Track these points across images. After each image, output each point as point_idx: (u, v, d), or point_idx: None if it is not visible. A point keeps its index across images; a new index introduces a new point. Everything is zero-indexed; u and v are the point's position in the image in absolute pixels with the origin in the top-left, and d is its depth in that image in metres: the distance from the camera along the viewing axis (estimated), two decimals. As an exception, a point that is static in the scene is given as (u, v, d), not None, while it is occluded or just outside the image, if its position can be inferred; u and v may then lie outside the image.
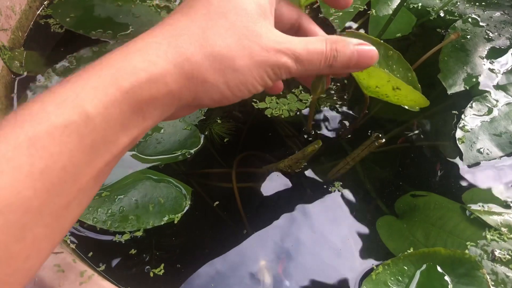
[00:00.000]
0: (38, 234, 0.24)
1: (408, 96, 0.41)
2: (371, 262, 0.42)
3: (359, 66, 0.36)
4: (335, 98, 0.53)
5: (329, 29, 0.60)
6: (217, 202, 0.45)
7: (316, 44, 0.33)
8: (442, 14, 0.62)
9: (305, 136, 0.50)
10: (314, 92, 0.42)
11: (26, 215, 0.23)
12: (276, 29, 0.38)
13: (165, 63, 0.27)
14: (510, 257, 0.41)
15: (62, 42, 0.58)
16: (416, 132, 0.51)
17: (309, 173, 0.47)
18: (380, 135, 0.49)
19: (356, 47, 0.35)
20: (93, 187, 0.27)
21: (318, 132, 0.50)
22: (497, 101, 0.53)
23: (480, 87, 0.54)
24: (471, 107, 0.52)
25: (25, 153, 0.23)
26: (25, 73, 0.54)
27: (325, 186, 0.47)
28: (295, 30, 0.40)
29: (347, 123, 0.51)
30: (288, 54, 0.32)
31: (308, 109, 0.52)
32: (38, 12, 0.60)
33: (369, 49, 0.36)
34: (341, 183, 0.47)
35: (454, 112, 0.53)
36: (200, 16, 0.30)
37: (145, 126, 0.28)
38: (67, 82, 0.26)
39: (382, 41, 0.43)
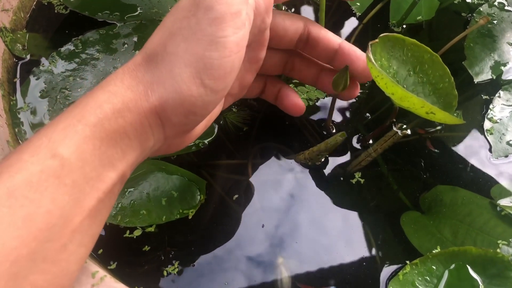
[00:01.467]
0: (36, 281, 0.24)
1: (443, 119, 0.38)
2: (396, 261, 0.40)
3: None
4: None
5: (348, 13, 0.57)
6: (236, 196, 0.43)
7: None
8: (467, -2, 0.59)
9: (324, 133, 0.47)
10: (336, 88, 0.40)
11: (16, 264, 0.22)
12: (283, 46, 0.39)
13: (123, 90, 0.27)
14: (545, 258, 0.39)
15: (66, 24, 0.55)
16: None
17: (329, 165, 0.45)
18: (404, 125, 0.47)
19: None
20: (91, 226, 0.26)
21: (338, 128, 0.48)
22: (526, 90, 0.50)
23: (509, 75, 0.51)
24: (499, 96, 0.49)
25: (5, 204, 0.23)
26: (28, 57, 0.51)
27: (346, 179, 0.44)
28: (304, 41, 0.39)
29: (369, 115, 0.49)
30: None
31: (328, 98, 0.49)
32: (40, -8, 0.57)
33: None
34: (363, 176, 0.44)
35: (481, 101, 0.50)
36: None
37: (129, 160, 0.28)
38: (41, 129, 0.26)
39: (423, 44, 0.41)
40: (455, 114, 0.40)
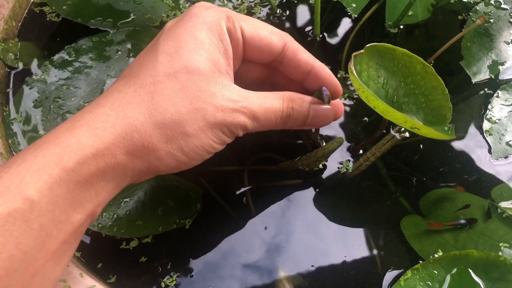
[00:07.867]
0: None
1: (429, 134, 0.37)
2: (398, 266, 0.39)
3: (315, 125, 0.36)
4: (351, 88, 0.50)
5: (344, 15, 0.56)
6: (233, 203, 0.42)
7: (274, 101, 0.33)
8: (462, -3, 0.58)
9: (311, 142, 0.46)
10: None
11: None
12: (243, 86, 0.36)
13: (113, 137, 0.26)
14: (548, 260, 0.38)
15: (59, 32, 0.54)
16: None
17: (327, 170, 0.44)
18: (402, 128, 0.46)
19: (312, 106, 0.35)
20: (54, 269, 0.26)
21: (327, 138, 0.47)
22: (525, 89, 0.50)
23: (507, 75, 0.51)
24: (498, 96, 0.49)
25: None
26: (21, 66, 0.50)
27: (344, 184, 0.44)
28: (271, 84, 0.39)
29: (366, 119, 0.48)
30: (245, 113, 0.31)
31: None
32: (32, 0, 0.56)
33: (325, 108, 0.35)
34: (362, 180, 0.44)
35: (479, 102, 0.49)
36: (149, 78, 0.29)
37: (100, 200, 0.27)
38: (13, 163, 0.25)
39: (412, 52, 0.39)
40: (446, 128, 0.39)
